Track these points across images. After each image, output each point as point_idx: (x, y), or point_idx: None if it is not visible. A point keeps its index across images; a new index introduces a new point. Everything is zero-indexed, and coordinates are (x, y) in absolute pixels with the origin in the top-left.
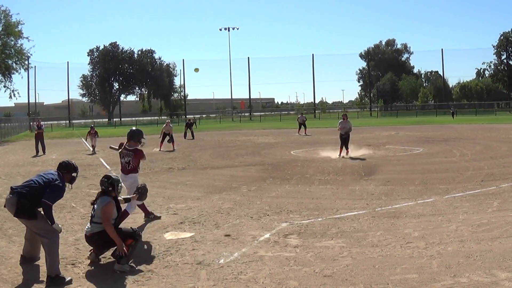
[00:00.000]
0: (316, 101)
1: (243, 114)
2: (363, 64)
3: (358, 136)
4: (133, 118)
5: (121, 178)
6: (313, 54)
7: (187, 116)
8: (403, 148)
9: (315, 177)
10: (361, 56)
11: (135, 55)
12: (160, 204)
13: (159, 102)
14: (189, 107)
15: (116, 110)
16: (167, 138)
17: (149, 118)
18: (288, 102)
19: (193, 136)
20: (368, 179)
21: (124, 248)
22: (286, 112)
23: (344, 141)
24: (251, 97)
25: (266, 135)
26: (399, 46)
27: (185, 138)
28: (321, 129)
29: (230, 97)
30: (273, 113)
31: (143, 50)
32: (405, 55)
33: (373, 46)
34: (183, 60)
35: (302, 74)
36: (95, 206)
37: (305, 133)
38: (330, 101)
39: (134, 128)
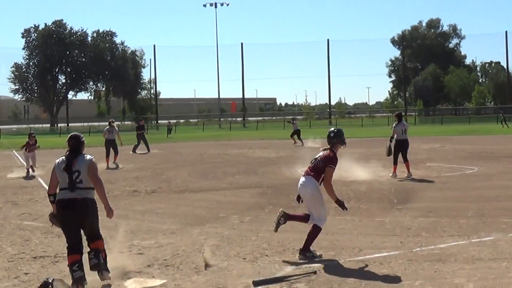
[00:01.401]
0: (332, 102)
1: (234, 119)
2: (395, 53)
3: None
4: (86, 124)
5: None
6: (328, 40)
7: (158, 121)
8: (451, 166)
9: (330, 205)
10: (393, 42)
11: (89, 39)
12: (120, 241)
13: (122, 102)
14: (161, 109)
15: (61, 113)
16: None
17: (107, 123)
18: (295, 103)
19: (147, 147)
20: (402, 208)
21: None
22: (292, 117)
23: (400, 151)
24: (246, 96)
25: (264, 148)
26: (445, 28)
27: (134, 151)
28: None
29: (217, 96)
30: (274, 117)
31: (100, 32)
32: (454, 41)
33: (409, 29)
34: (154, 46)
35: (313, 67)
36: (76, 169)
37: (296, 142)
38: (350, 103)
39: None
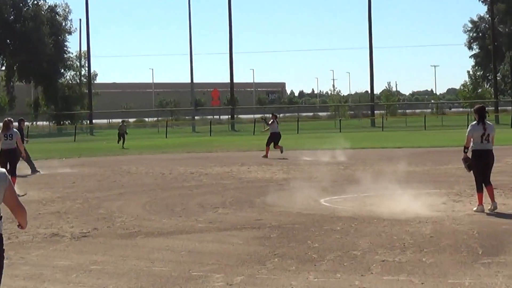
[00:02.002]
0: (377, 90)
1: (217, 117)
2: (480, 9)
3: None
4: None
5: None
6: None
7: (92, 120)
8: None
9: (373, 257)
10: None
11: None
12: None
13: (33, 90)
14: (98, 101)
15: None
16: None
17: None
18: (315, 92)
19: (31, 166)
20: (491, 262)
21: None
22: (311, 114)
23: (481, 168)
24: (236, 80)
25: (265, 164)
26: None
27: (33, 172)
28: (390, 152)
29: (189, 81)
30: (281, 115)
31: None
32: None
33: None
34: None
35: (345, 33)
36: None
37: (268, 151)
38: (406, 91)
39: None
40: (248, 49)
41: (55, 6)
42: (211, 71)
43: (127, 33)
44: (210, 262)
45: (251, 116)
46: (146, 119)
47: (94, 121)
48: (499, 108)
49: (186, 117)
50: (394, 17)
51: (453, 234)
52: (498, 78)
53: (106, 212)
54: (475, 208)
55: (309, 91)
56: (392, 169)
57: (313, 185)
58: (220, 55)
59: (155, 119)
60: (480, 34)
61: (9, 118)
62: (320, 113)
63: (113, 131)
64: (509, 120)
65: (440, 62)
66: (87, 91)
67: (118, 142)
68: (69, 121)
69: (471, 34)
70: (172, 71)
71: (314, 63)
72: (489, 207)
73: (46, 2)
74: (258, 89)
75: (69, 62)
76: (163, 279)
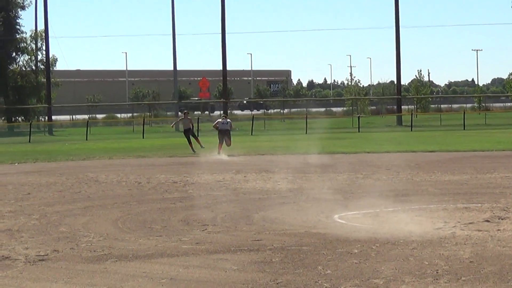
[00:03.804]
0: (405, 80)
1: (206, 113)
2: None
3: None
4: None
5: None
6: None
7: (51, 116)
8: None
9: (399, 287)
10: None
11: None
12: None
13: None
14: (59, 92)
15: None
16: None
17: None
18: (329, 82)
19: None
20: None
21: None
22: (323, 109)
23: None
24: (229, 67)
25: (266, 171)
26: None
27: None
28: (421, 156)
29: (171, 68)
30: (285, 111)
31: None
32: None
33: None
34: None
35: (364, 11)
36: None
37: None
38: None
39: None
40: (244, 29)
41: None
42: (199, 56)
43: (94, 8)
44: None
45: (249, 112)
46: (118, 115)
47: (53, 117)
48: None
49: (168, 113)
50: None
51: (497, 259)
52: None
53: (69, 230)
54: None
55: (321, 81)
56: (423, 177)
57: (325, 197)
58: (210, 36)
59: (129, 115)
60: None
61: None
62: (334, 108)
63: (77, 129)
64: None
65: (483, 46)
66: (44, 80)
67: (192, 149)
68: (22, 118)
69: None
70: (150, 56)
71: (327, 46)
72: None
73: None
74: (257, 78)
75: (22, 44)
76: None
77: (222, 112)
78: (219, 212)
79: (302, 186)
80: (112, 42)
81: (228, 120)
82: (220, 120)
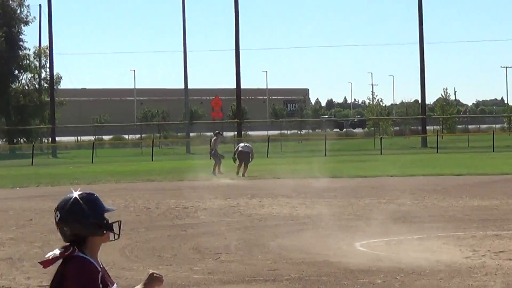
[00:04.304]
0: (430, 99)
1: (220, 132)
2: None
3: None
4: None
5: None
6: None
7: (55, 138)
8: None
9: None
10: None
11: None
12: None
13: None
14: (64, 112)
15: None
16: None
17: None
18: (348, 101)
19: None
20: None
21: None
22: (343, 130)
23: None
24: (243, 86)
25: (282, 195)
26: None
27: None
28: (447, 180)
29: (182, 86)
30: (303, 132)
31: None
32: None
33: None
34: None
35: (388, 26)
36: None
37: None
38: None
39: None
40: (260, 45)
41: None
42: (211, 74)
43: (101, 24)
44: None
45: (264, 133)
46: (126, 137)
47: (57, 138)
48: None
49: (178, 134)
50: (452, 4)
51: None
52: None
53: None
54: None
55: (340, 100)
56: (450, 203)
57: (346, 224)
58: (223, 52)
59: (138, 136)
60: None
61: None
62: (355, 130)
63: (82, 151)
64: None
65: None
66: (48, 99)
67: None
68: (24, 139)
69: None
70: (160, 74)
71: (347, 64)
72: None
73: None
74: (273, 97)
75: (25, 62)
76: None
77: (216, 131)
78: (232, 240)
79: (321, 212)
80: (120, 59)
81: (249, 145)
82: (240, 145)
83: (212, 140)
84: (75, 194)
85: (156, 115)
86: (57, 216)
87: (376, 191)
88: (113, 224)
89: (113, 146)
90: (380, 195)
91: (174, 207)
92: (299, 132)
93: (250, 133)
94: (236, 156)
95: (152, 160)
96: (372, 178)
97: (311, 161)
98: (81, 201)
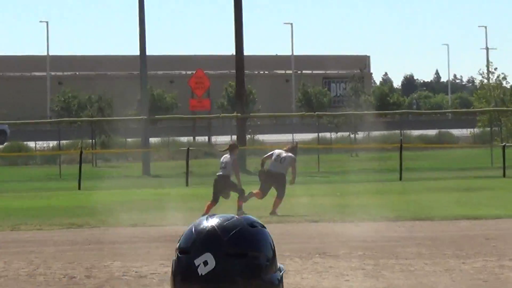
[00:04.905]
0: None
1: (201, 137)
2: None
3: None
4: None
5: None
6: None
7: None
8: None
9: None
10: None
11: None
12: None
13: None
14: None
15: None
16: None
17: None
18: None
19: None
20: None
21: None
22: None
23: None
24: (247, 52)
25: (323, 253)
26: None
27: None
28: None
29: (137, 53)
30: (356, 135)
31: None
32: None
33: None
34: None
35: None
36: None
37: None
38: None
39: None
40: None
41: None
42: (190, 31)
43: None
44: None
45: (288, 137)
46: (32, 144)
47: None
48: None
49: (128, 140)
50: None
51: None
52: None
53: None
54: None
55: (428, 78)
56: None
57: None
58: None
59: (52, 143)
60: None
61: None
62: (454, 131)
63: None
64: None
65: None
66: None
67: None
68: None
69: None
70: (91, 29)
71: (437, 14)
72: None
73: None
74: (304, 71)
75: None
76: None
77: (231, 143)
78: None
79: (393, 284)
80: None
81: (289, 154)
82: (276, 152)
83: (226, 159)
84: None
85: (86, 104)
86: None
87: (494, 246)
88: None
89: (9, 162)
90: (503, 252)
91: (119, 274)
92: (351, 136)
93: (261, 137)
94: (260, 177)
95: (79, 188)
96: (488, 220)
97: (373, 190)
98: None
